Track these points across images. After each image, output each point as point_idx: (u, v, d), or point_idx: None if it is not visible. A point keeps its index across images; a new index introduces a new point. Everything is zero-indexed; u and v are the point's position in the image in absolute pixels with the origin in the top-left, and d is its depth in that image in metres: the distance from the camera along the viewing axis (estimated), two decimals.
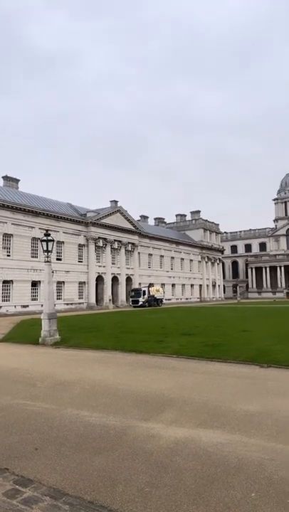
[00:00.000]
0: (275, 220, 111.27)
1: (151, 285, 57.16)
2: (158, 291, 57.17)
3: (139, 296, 53.03)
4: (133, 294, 54.47)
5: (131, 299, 54.35)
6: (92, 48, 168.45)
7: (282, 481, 3.80)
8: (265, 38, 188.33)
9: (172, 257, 71.11)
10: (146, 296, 53.36)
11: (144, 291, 53.77)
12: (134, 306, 52.14)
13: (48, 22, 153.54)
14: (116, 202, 58.02)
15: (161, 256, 68.19)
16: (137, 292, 54.03)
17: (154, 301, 54.31)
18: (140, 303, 52.35)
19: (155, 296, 55.32)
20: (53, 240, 15.61)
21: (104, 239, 54.26)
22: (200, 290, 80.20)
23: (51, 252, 15.44)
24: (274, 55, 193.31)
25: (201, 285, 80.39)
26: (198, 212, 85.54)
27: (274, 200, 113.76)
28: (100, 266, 53.56)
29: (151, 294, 54.45)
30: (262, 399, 6.68)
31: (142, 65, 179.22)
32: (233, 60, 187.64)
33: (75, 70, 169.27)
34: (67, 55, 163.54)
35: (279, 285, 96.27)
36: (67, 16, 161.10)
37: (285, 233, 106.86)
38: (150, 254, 65.36)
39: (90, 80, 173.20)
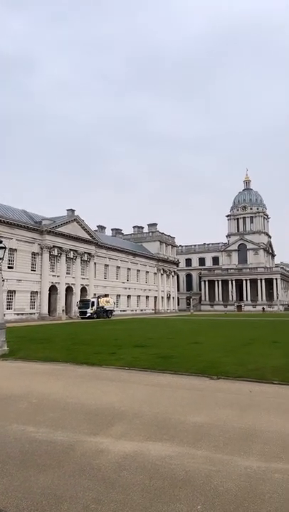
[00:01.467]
0: (228, 236, 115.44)
1: (101, 296, 55.03)
2: (108, 302, 54.98)
3: (87, 307, 50.83)
4: (81, 304, 52.29)
5: (78, 310, 52.16)
6: (51, 55, 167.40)
7: (227, 492, 3.87)
8: (227, 57, 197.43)
9: (129, 269, 71.23)
10: (94, 307, 51.17)
11: (93, 302, 51.58)
12: (82, 318, 50.04)
13: (7, 26, 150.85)
14: (73, 211, 57.38)
15: (118, 267, 68.09)
16: (85, 303, 51.85)
17: (103, 313, 52.19)
18: (88, 314, 50.18)
19: (105, 307, 53.23)
20: (4, 248, 15.06)
21: (60, 248, 53.29)
22: (155, 302, 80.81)
23: (2, 259, 14.89)
24: (234, 75, 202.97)
25: (156, 297, 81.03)
26: (155, 224, 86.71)
27: (227, 216, 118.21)
28: (54, 275, 52.39)
29: (100, 305, 52.31)
30: (210, 410, 6.80)
31: (100, 77, 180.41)
32: (194, 78, 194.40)
33: (31, 77, 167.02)
34: (24, 61, 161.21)
35: (230, 298, 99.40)
36: (28, 22, 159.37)
37: (236, 248, 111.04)
38: (106, 265, 65.06)
39: (46, 87, 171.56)
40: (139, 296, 74.38)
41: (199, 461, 4.60)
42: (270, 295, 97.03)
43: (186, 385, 8.95)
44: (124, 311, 67.71)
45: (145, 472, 4.31)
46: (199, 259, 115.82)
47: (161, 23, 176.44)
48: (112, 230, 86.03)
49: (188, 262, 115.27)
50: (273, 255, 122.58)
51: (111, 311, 54.98)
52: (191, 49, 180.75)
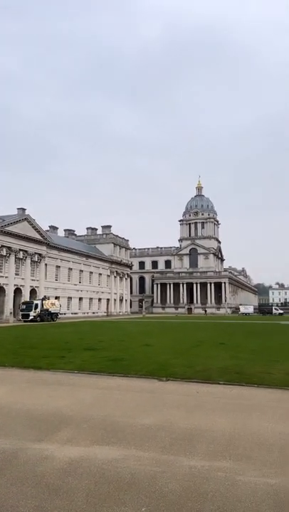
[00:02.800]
0: (180, 240, 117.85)
1: (45, 298, 52.95)
2: (53, 304, 52.81)
3: (30, 310, 48.17)
4: (24, 307, 49.34)
5: (21, 313, 49.25)
6: (5, 49, 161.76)
7: (172, 493, 3.92)
8: (182, 66, 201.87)
9: (81, 270, 70.25)
10: (38, 309, 48.77)
11: (37, 305, 49.08)
12: (25, 321, 47.23)
13: None
14: (24, 210, 55.58)
15: (70, 269, 66.91)
16: (29, 305, 49.06)
17: (47, 316, 49.83)
18: (31, 317, 47.50)
19: (50, 310, 50.98)
20: None
21: (9, 248, 51.38)
22: (107, 304, 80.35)
23: None
24: (189, 84, 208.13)
25: (108, 299, 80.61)
26: (110, 227, 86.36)
27: (180, 221, 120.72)
28: (1, 276, 50.38)
29: (45, 307, 50.03)
30: (158, 412, 6.87)
31: (58, 75, 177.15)
32: (149, 83, 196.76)
33: None
34: None
35: (181, 301, 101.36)
36: None
37: (188, 252, 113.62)
38: (58, 267, 63.67)
39: None
40: (91, 299, 73.58)
41: (145, 462, 4.63)
42: (218, 298, 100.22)
43: (136, 388, 8.98)
44: (75, 313, 66.60)
45: (91, 477, 4.26)
46: (152, 262, 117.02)
47: (119, 26, 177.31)
48: (64, 230, 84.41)
49: (142, 264, 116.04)
50: (222, 260, 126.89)
51: (56, 314, 52.65)
52: (148, 54, 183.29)
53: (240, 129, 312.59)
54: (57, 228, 77.23)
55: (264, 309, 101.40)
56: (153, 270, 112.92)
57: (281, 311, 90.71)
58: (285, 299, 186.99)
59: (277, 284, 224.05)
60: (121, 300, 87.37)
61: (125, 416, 6.60)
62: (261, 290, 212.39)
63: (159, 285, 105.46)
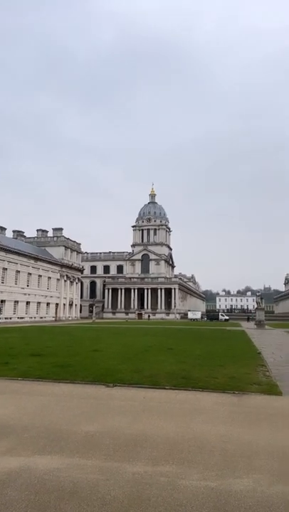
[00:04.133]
0: (133, 246, 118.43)
1: None
2: None
3: None
4: None
5: None
6: None
7: (114, 500, 3.88)
8: (135, 73, 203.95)
9: (30, 273, 68.02)
10: None
11: None
12: None
13: None
14: None
15: (18, 271, 64.52)
16: None
17: None
18: None
19: None
20: None
21: None
22: (56, 309, 78.43)
23: None
24: (141, 91, 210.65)
25: (57, 304, 78.73)
26: (61, 229, 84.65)
27: (133, 227, 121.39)
28: None
29: None
30: (104, 418, 6.80)
31: (3, 72, 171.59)
32: (102, 87, 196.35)
33: None
34: None
35: (132, 306, 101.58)
36: None
37: (140, 258, 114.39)
38: (5, 269, 61.15)
39: None
40: (39, 303, 71.41)
41: (88, 471, 4.55)
42: (168, 304, 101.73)
43: (82, 394, 8.82)
44: (22, 318, 64.23)
45: (31, 488, 4.10)
46: (104, 266, 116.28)
47: (72, 27, 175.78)
48: (13, 231, 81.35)
49: (93, 269, 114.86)
50: (173, 266, 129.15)
51: None
52: (100, 57, 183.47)
53: (192, 140, 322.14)
54: (5, 229, 74.27)
55: (211, 315, 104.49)
56: (105, 275, 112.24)
57: (227, 317, 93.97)
58: (231, 306, 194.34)
59: (224, 290, 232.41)
60: (71, 305, 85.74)
61: (69, 424, 6.46)
62: (209, 296, 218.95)
63: (110, 290, 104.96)
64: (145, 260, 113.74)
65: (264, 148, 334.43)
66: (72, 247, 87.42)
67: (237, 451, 5.22)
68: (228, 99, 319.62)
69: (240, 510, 3.73)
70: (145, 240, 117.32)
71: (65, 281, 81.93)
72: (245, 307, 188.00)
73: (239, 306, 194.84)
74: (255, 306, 54.91)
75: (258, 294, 66.64)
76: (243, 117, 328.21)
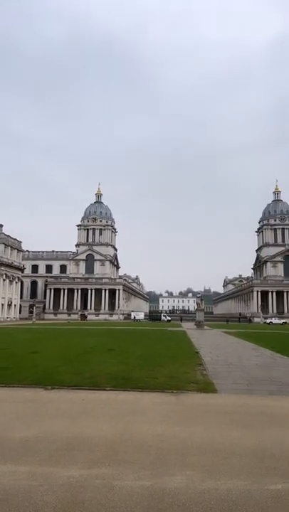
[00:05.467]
0: (77, 245, 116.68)
1: None
2: None
3: None
4: None
5: None
6: None
7: (47, 505, 3.79)
8: (83, 71, 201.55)
9: None
10: None
11: None
12: None
13: None
14: None
15: None
16: None
17: None
18: None
19: None
20: None
21: None
22: None
23: None
24: (90, 90, 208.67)
25: None
26: (0, 226, 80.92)
27: (78, 226, 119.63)
28: None
29: None
30: (40, 422, 6.60)
31: None
32: (49, 83, 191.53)
33: None
34: None
35: (74, 307, 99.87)
36: None
37: (84, 258, 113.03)
38: None
39: None
40: None
41: (21, 477, 4.39)
42: (112, 305, 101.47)
43: (18, 398, 8.50)
44: None
45: None
46: (46, 266, 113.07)
47: (19, 21, 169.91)
48: None
49: (35, 268, 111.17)
50: (118, 267, 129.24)
51: None
52: (51, 53, 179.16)
53: (141, 143, 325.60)
54: None
55: (153, 316, 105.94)
56: (47, 274, 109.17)
57: (169, 318, 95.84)
58: (173, 307, 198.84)
59: (167, 292, 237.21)
60: (9, 305, 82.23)
61: (3, 429, 6.19)
62: (152, 297, 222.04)
63: (52, 290, 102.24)
64: (90, 260, 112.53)
65: (207, 155, 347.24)
66: (13, 245, 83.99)
67: (172, 450, 5.34)
68: (176, 104, 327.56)
69: (173, 507, 3.82)
70: (90, 239, 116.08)
71: (4, 280, 78.43)
72: (187, 308, 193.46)
73: (181, 307, 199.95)
74: (196, 307, 56.63)
75: (198, 295, 68.89)
76: (190, 124, 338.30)
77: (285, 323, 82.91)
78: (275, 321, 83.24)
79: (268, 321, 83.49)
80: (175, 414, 7.36)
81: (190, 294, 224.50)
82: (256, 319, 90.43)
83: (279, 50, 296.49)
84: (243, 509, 3.78)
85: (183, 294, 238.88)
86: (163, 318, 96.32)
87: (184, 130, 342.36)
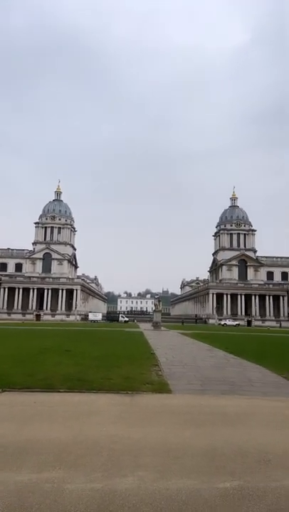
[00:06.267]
0: (34, 243, 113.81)
1: None
2: None
3: None
4: None
5: None
6: None
7: None
8: (45, 66, 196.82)
9: None
10: None
11: None
12: None
13: None
14: None
15: None
16: None
17: None
18: None
19: None
20: None
21: None
22: None
23: None
24: (52, 85, 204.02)
25: None
26: None
27: (35, 223, 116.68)
28: None
29: None
30: None
31: None
32: (7, 75, 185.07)
33: None
34: None
35: (30, 307, 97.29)
36: None
37: (41, 257, 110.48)
38: None
39: None
40: None
41: None
42: (69, 305, 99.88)
43: None
44: None
45: None
46: (1, 264, 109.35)
47: None
48: None
49: None
50: (76, 267, 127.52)
51: None
52: (11, 43, 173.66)
53: (101, 142, 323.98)
54: None
55: (111, 317, 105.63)
56: (1, 273, 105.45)
57: (127, 319, 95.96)
58: (132, 307, 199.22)
59: (126, 293, 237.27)
60: None
61: None
62: (111, 298, 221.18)
63: (6, 289, 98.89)
64: (47, 259, 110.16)
65: (170, 157, 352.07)
66: None
67: (125, 451, 5.33)
68: (139, 104, 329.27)
69: (124, 508, 3.80)
70: (48, 238, 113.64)
71: None
72: (145, 309, 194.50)
73: (139, 308, 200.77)
74: (154, 308, 57.15)
75: (156, 296, 69.56)
76: (152, 125, 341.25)
77: (238, 324, 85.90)
78: (229, 322, 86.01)
79: (223, 322, 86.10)
80: (129, 415, 7.35)
81: (148, 295, 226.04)
82: (211, 321, 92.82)
83: (243, 60, 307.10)
84: (192, 508, 3.84)
85: (141, 295, 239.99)
86: (121, 319, 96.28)
87: (147, 131, 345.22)
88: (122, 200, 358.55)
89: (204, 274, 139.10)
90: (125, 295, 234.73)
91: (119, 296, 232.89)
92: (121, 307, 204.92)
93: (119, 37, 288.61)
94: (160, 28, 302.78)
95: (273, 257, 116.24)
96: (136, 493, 4.10)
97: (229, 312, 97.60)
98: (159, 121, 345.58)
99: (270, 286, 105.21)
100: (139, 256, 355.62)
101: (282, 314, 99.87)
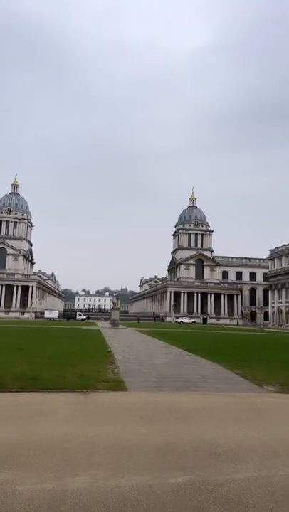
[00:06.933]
0: None
1: None
2: None
3: None
4: None
5: None
6: None
7: None
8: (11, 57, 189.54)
9: None
10: None
11: None
12: None
13: None
14: None
15: None
16: None
17: None
18: None
19: None
20: None
21: None
22: None
23: None
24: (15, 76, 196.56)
25: None
26: None
27: None
28: None
29: None
30: None
31: None
32: None
33: None
34: None
35: None
36: None
37: None
38: None
39: None
40: None
41: None
42: (24, 302, 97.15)
43: None
44: None
45: None
46: None
47: None
48: None
49: None
50: (32, 263, 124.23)
51: None
52: None
53: (61, 137, 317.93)
54: None
55: (68, 314, 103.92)
56: None
57: (84, 317, 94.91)
58: (90, 305, 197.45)
59: (84, 290, 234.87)
60: None
61: None
62: (68, 296, 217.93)
63: None
64: (2, 254, 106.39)
65: (130, 155, 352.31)
66: None
67: (79, 449, 5.26)
68: (99, 100, 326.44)
69: (75, 508, 3.74)
70: (3, 232, 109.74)
71: None
72: (103, 307, 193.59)
73: (97, 306, 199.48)
74: (112, 306, 56.98)
75: (114, 294, 69.52)
76: (112, 122, 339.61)
77: (194, 322, 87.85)
78: (185, 320, 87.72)
79: (179, 320, 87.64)
80: (84, 413, 7.27)
81: (107, 293, 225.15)
82: (168, 318, 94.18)
83: (202, 62, 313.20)
84: (144, 504, 3.85)
85: (100, 293, 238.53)
86: (78, 316, 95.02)
87: (107, 128, 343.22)
88: (81, 196, 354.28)
89: (163, 273, 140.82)
90: (83, 293, 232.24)
91: (77, 293, 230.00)
92: (78, 305, 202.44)
93: (80, 29, 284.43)
94: (122, 23, 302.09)
95: (229, 257, 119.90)
96: (88, 492, 4.05)
97: (186, 310, 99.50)
98: (117, 118, 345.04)
99: (225, 285, 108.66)
100: (99, 254, 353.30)
101: (235, 312, 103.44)
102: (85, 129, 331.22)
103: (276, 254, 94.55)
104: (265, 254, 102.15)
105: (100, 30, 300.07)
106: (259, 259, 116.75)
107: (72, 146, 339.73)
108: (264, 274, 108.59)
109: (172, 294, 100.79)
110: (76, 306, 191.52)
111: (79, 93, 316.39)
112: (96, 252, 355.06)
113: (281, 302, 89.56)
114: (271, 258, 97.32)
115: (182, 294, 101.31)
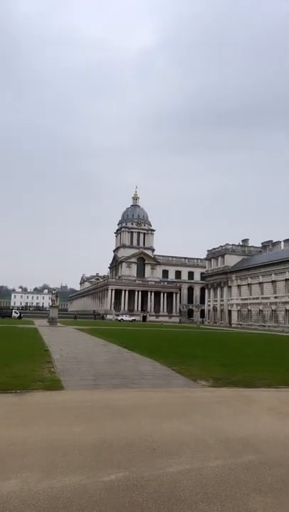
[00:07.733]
0: None
1: None
2: None
3: None
4: None
5: None
6: None
7: None
8: None
9: None
10: None
11: None
12: None
13: None
14: None
15: None
16: None
17: None
18: None
19: None
20: None
21: None
22: None
23: None
24: None
25: None
26: None
27: None
28: None
29: None
30: None
31: None
32: None
33: None
34: None
35: None
36: None
37: None
38: None
39: None
40: None
41: None
42: None
43: None
44: None
45: None
46: None
47: None
48: None
49: None
50: None
51: None
52: None
53: (5, 129, 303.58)
54: None
55: (3, 312, 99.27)
56: None
57: (20, 314, 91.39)
58: (27, 303, 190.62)
59: (21, 287, 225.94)
60: None
61: None
62: (4, 293, 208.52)
63: None
64: None
65: (76, 150, 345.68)
66: None
67: (10, 452, 5.05)
68: (43, 93, 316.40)
69: None
70: None
71: None
72: (42, 305, 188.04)
73: (35, 304, 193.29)
74: (51, 303, 55.52)
75: (53, 292, 67.80)
76: (55, 115, 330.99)
77: (134, 320, 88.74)
78: (125, 318, 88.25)
79: (120, 318, 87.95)
80: (18, 414, 7.00)
81: (46, 291, 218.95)
82: (109, 316, 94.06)
83: (149, 62, 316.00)
84: (77, 505, 3.80)
85: (38, 290, 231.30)
86: (14, 314, 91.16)
87: (49, 121, 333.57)
88: (22, 191, 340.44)
89: (105, 271, 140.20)
90: (20, 290, 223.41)
91: (14, 290, 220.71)
92: (15, 302, 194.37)
93: (27, 16, 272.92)
94: (70, 15, 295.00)
95: (169, 256, 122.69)
96: (18, 495, 3.91)
97: (126, 308, 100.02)
98: (60, 109, 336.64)
99: (165, 283, 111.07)
100: (38, 250, 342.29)
101: (174, 310, 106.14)
102: (32, 123, 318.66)
103: (212, 254, 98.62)
104: (204, 255, 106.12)
105: (46, 19, 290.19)
106: (197, 259, 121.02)
107: (19, 140, 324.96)
108: (201, 273, 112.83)
109: (113, 291, 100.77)
110: (12, 304, 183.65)
111: (25, 83, 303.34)
112: (35, 249, 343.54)
113: (216, 301, 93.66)
114: (208, 258, 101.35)
115: (123, 292, 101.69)
